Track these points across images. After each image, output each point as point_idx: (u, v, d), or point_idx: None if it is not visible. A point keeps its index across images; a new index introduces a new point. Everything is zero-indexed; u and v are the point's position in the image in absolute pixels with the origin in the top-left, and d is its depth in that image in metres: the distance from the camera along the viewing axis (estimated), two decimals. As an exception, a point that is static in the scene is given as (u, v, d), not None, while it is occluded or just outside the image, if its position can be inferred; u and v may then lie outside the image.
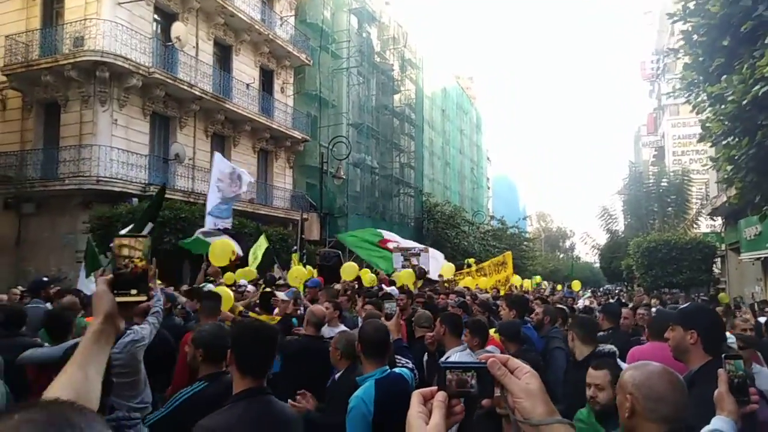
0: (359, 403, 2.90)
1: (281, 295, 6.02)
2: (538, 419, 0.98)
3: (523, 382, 1.00)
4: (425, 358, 4.84)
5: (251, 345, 2.42)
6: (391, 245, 11.87)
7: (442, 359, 4.08)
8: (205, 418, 2.30)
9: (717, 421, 1.81)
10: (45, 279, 8.31)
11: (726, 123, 9.31)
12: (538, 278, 25.97)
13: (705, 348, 2.57)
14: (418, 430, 0.95)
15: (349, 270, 10.02)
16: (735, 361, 1.90)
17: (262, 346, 2.45)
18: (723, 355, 1.96)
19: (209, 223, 8.32)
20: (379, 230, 13.04)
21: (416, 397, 1.01)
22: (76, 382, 1.29)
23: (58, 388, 1.24)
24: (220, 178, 8.34)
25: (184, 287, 8.44)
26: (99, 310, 1.42)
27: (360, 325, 4.39)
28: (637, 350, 3.87)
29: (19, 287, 9.26)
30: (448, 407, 0.98)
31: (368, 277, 9.77)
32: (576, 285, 15.00)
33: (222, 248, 6.70)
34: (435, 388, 1.00)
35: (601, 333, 6.09)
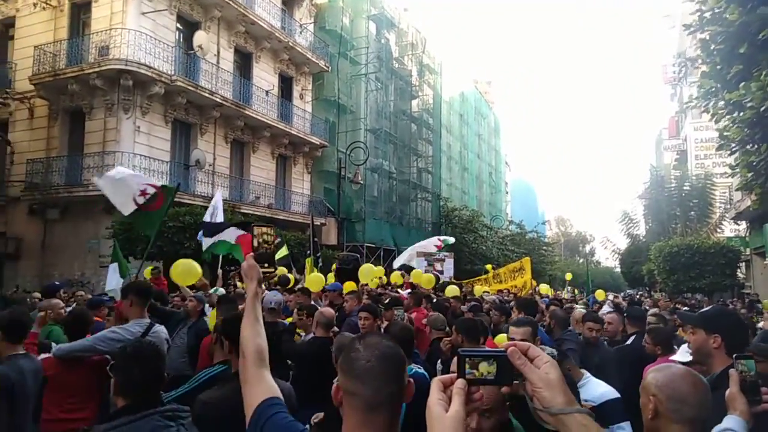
0: None
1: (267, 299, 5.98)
2: (558, 408, 0.98)
3: (543, 372, 1.01)
4: (439, 365, 4.84)
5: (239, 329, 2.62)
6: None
7: None
8: (204, 393, 2.57)
9: (729, 421, 1.81)
10: (57, 283, 8.54)
11: (745, 129, 9.24)
12: (569, 275, 25.66)
13: (728, 352, 2.51)
14: (438, 416, 0.97)
15: (366, 272, 10.11)
16: (746, 361, 1.89)
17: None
18: (734, 355, 1.95)
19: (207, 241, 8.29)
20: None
21: (436, 384, 1.02)
22: (261, 330, 1.88)
23: (256, 335, 1.85)
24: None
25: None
26: (252, 278, 2.00)
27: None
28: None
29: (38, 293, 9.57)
30: (468, 394, 0.99)
31: (374, 281, 9.81)
32: (600, 294, 14.90)
33: (186, 267, 6.39)
34: (454, 375, 1.01)
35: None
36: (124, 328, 3.98)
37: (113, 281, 7.91)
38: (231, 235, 7.90)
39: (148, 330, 3.99)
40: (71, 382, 3.78)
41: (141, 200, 6.77)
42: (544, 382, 1.00)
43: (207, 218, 8.36)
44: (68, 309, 6.07)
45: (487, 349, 1.14)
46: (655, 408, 1.78)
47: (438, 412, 0.97)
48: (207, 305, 6.16)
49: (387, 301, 6.88)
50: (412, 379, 1.44)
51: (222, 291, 7.44)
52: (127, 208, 6.80)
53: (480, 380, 1.00)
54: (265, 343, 1.86)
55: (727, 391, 1.86)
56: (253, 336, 1.85)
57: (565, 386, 1.01)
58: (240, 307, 4.98)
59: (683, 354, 3.53)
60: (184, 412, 2.30)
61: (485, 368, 1.00)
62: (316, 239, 8.66)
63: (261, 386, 1.71)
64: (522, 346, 1.03)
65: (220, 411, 2.47)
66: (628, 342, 5.49)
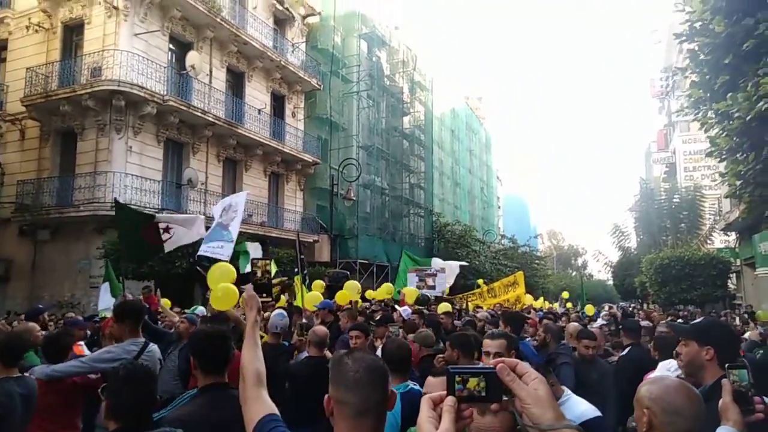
0: (388, 416, 3.02)
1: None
2: (547, 425, 0.99)
3: (532, 388, 1.01)
4: None
5: (208, 346, 2.79)
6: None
7: None
8: (172, 411, 2.70)
9: (722, 431, 1.81)
10: (41, 307, 8.47)
11: (734, 139, 9.39)
12: (565, 294, 25.67)
13: (720, 363, 2.51)
14: None
15: (351, 288, 10.12)
16: (739, 371, 1.89)
17: (217, 346, 2.80)
18: (726, 365, 1.95)
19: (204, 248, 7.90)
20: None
21: (426, 402, 1.03)
22: (259, 354, 2.04)
23: (255, 359, 2.01)
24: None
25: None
26: (252, 307, 2.22)
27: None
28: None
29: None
30: (457, 412, 0.99)
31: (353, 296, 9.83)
32: (589, 309, 15.01)
33: (221, 271, 6.29)
34: (444, 393, 1.01)
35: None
36: (120, 347, 3.98)
37: (105, 301, 7.87)
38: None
39: (144, 349, 3.97)
40: (51, 404, 3.81)
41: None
42: (533, 398, 1.00)
43: (217, 215, 7.82)
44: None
45: (477, 366, 1.16)
46: (650, 421, 1.79)
47: (428, 429, 0.98)
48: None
49: (378, 318, 6.89)
50: (396, 390, 1.63)
51: (202, 309, 7.35)
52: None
53: (470, 397, 1.00)
54: (263, 367, 2.02)
55: (720, 402, 1.86)
56: (252, 360, 2.01)
57: (554, 402, 1.02)
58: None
59: (662, 372, 3.57)
60: None
61: (475, 385, 1.00)
62: (302, 257, 8.53)
63: (260, 404, 1.87)
64: (510, 363, 1.04)
65: (194, 425, 2.53)
66: (623, 353, 5.54)
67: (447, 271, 14.85)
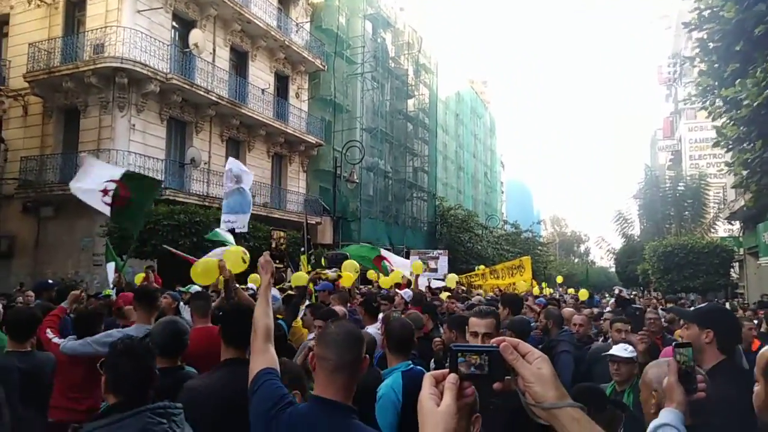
0: (389, 392, 3.05)
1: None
2: (550, 403, 0.99)
3: (535, 367, 1.01)
4: (432, 364, 4.84)
5: (233, 320, 2.88)
6: (385, 263, 11.69)
7: None
8: (192, 380, 2.84)
9: (665, 414, 1.79)
10: (50, 282, 8.59)
11: (741, 128, 9.30)
12: (560, 278, 25.75)
13: (720, 347, 2.60)
14: (430, 411, 0.97)
15: (349, 267, 10.10)
16: (685, 349, 1.87)
17: (243, 321, 2.77)
18: (673, 344, 1.92)
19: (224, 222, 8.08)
20: (378, 249, 12.82)
21: (428, 379, 1.03)
22: (269, 312, 2.36)
23: (265, 315, 2.31)
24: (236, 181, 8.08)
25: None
26: (267, 271, 2.53)
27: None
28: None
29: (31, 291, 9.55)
30: (459, 389, 0.99)
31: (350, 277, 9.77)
32: (583, 294, 15.14)
33: (235, 254, 6.39)
34: (446, 370, 1.01)
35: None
36: (122, 331, 4.09)
37: (113, 279, 7.88)
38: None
39: (145, 338, 4.00)
40: (76, 377, 4.13)
41: (108, 200, 6.54)
42: (536, 377, 1.00)
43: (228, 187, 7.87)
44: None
45: (480, 344, 1.14)
46: (658, 402, 1.81)
47: (429, 406, 0.98)
48: (182, 303, 6.14)
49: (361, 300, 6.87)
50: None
51: (197, 288, 7.39)
52: (104, 210, 6.65)
53: (472, 375, 1.00)
54: (272, 323, 2.34)
55: (664, 381, 1.85)
56: (264, 316, 2.32)
57: (557, 381, 1.02)
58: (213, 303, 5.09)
59: (620, 350, 3.77)
60: (177, 408, 2.27)
61: (477, 363, 1.00)
62: (309, 237, 8.56)
63: (265, 357, 2.17)
64: (512, 341, 1.04)
65: (208, 398, 2.65)
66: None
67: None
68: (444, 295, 9.18)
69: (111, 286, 7.89)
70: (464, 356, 1.01)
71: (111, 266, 8.17)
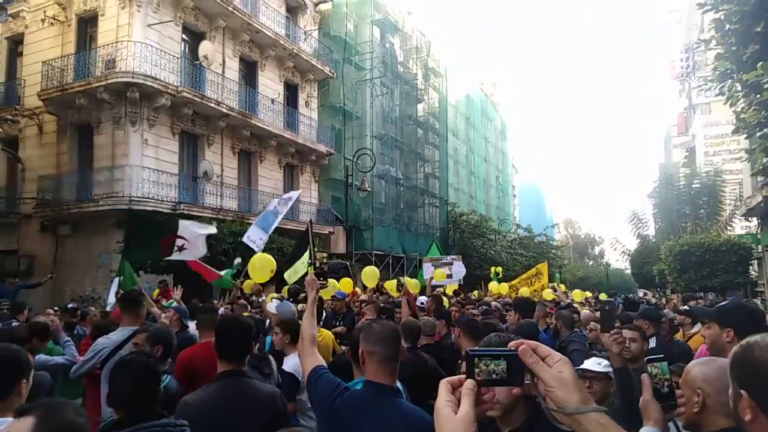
0: None
1: (270, 308, 5.88)
2: (573, 408, 0.95)
3: (556, 370, 0.97)
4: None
5: (228, 334, 2.94)
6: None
7: None
8: (187, 395, 2.83)
9: None
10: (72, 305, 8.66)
11: (762, 112, 9.12)
12: (563, 287, 25.51)
13: None
14: (447, 418, 0.93)
15: (370, 275, 10.12)
16: (660, 364, 1.82)
17: (237, 336, 2.93)
18: (646, 358, 1.87)
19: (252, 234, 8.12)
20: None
21: (444, 385, 0.99)
22: (314, 323, 2.88)
23: (311, 326, 2.80)
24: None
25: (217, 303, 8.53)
26: (312, 288, 3.10)
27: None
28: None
29: (55, 308, 9.62)
30: (477, 395, 0.96)
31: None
32: (577, 295, 15.14)
33: (261, 262, 6.50)
34: (463, 376, 0.98)
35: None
36: (106, 336, 4.17)
37: (114, 296, 7.96)
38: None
39: (131, 337, 4.04)
40: (93, 394, 4.32)
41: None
42: (557, 380, 0.96)
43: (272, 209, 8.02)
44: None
45: (498, 348, 1.10)
46: (703, 401, 1.76)
47: (447, 413, 0.94)
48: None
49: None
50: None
51: (175, 304, 7.49)
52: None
53: (490, 381, 0.97)
54: (316, 332, 2.85)
55: (641, 399, 1.81)
56: (309, 327, 2.79)
57: (579, 384, 0.98)
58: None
59: (593, 364, 3.50)
60: (178, 427, 2.23)
61: (495, 368, 0.97)
62: (316, 248, 8.61)
63: (312, 358, 2.61)
64: (531, 344, 1.00)
65: (200, 411, 2.64)
66: (653, 346, 5.32)
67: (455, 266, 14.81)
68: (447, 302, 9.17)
69: (110, 301, 8.00)
70: (482, 361, 0.97)
71: (116, 282, 8.23)
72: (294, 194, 8.20)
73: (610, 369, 3.12)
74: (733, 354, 1.63)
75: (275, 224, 7.46)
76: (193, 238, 7.28)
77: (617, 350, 2.78)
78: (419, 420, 2.25)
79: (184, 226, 7.38)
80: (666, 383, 1.79)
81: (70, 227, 16.45)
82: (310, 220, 10.58)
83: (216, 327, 3.13)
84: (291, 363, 4.32)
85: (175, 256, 7.22)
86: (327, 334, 5.86)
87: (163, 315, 5.98)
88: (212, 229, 7.61)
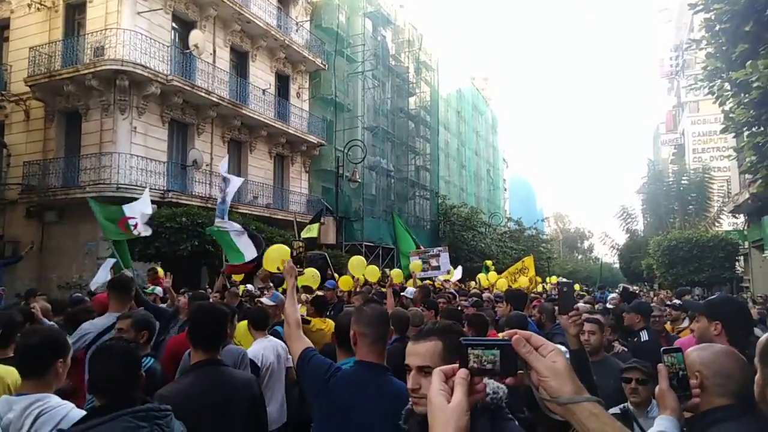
0: None
1: (266, 300, 5.92)
2: (567, 398, 0.95)
3: (549, 360, 0.97)
4: None
5: (201, 323, 2.88)
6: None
7: None
8: (163, 388, 2.74)
9: (661, 422, 1.78)
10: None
11: (751, 111, 9.21)
12: (554, 278, 25.68)
13: (729, 340, 2.55)
14: (440, 407, 0.93)
15: (356, 265, 10.15)
16: (675, 355, 1.85)
17: (211, 324, 2.88)
18: (662, 349, 1.90)
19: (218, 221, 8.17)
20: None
21: (437, 374, 0.99)
22: (297, 306, 2.89)
23: (295, 311, 2.83)
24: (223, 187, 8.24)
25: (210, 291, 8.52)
26: (291, 275, 3.14)
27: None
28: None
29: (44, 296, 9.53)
30: (470, 385, 0.96)
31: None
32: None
33: (279, 252, 6.61)
34: (456, 365, 0.98)
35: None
36: (90, 322, 4.10)
37: (102, 277, 7.94)
38: (244, 244, 7.62)
39: (115, 324, 3.94)
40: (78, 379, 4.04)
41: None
42: (550, 370, 0.96)
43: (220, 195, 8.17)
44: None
45: (490, 338, 1.09)
46: (701, 383, 1.84)
47: (439, 402, 0.94)
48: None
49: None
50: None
51: (159, 290, 7.62)
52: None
53: (483, 370, 0.97)
54: (299, 316, 2.85)
55: (656, 389, 1.85)
56: (292, 311, 2.83)
57: (573, 374, 0.97)
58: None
59: None
60: (162, 411, 2.19)
61: (488, 358, 0.97)
62: (299, 239, 8.62)
63: (300, 341, 2.67)
64: (525, 334, 1.00)
65: (177, 403, 2.55)
66: (646, 339, 5.32)
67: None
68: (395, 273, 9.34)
69: (96, 280, 8.05)
70: (474, 350, 0.97)
71: (108, 262, 8.22)
72: (230, 177, 8.11)
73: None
74: (760, 343, 1.76)
75: (227, 207, 7.68)
76: (140, 216, 7.55)
77: (574, 332, 2.76)
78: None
79: (130, 208, 7.63)
80: (681, 373, 1.82)
81: (56, 214, 16.29)
82: (294, 215, 10.71)
83: (190, 316, 3.09)
84: (251, 349, 4.40)
85: (136, 234, 7.53)
86: (332, 324, 5.89)
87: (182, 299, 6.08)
88: (151, 209, 7.95)
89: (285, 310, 2.88)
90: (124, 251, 7.83)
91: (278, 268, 6.35)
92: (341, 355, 3.19)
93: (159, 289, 7.64)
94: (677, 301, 8.52)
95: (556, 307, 6.97)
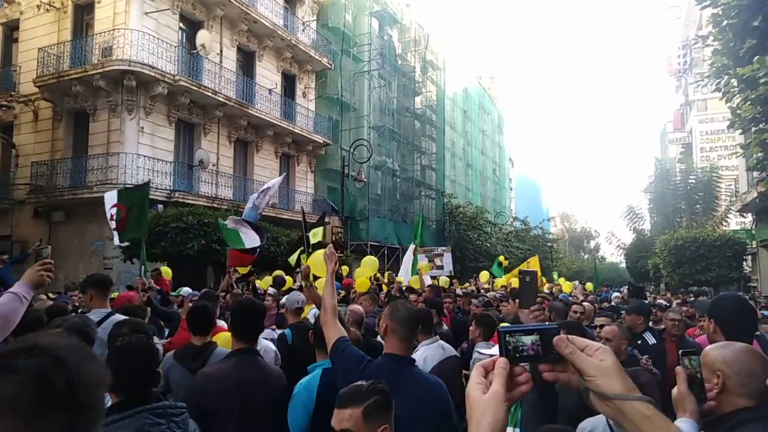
0: (301, 391, 2.90)
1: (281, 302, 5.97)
2: (615, 393, 0.89)
3: (596, 359, 0.91)
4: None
5: (242, 316, 3.21)
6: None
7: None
8: (206, 367, 3.18)
9: (680, 424, 1.74)
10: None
11: (758, 107, 9.16)
12: (562, 280, 25.57)
13: (726, 337, 2.54)
14: (476, 401, 0.89)
15: (369, 264, 10.19)
16: (693, 357, 1.83)
17: (250, 317, 3.20)
18: (680, 351, 1.88)
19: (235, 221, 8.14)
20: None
21: (477, 369, 0.94)
22: (334, 293, 2.99)
23: (332, 297, 2.92)
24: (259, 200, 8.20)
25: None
26: (331, 260, 3.08)
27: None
28: None
29: (49, 293, 9.64)
30: (512, 376, 0.91)
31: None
32: (567, 286, 15.14)
33: (320, 259, 6.71)
34: (497, 358, 0.93)
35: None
36: (80, 316, 4.05)
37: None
38: (250, 237, 7.65)
39: (104, 319, 3.99)
40: None
41: (113, 224, 7.37)
42: (598, 369, 0.90)
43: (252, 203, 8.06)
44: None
45: (530, 324, 1.07)
46: (723, 383, 1.81)
47: (476, 395, 0.90)
48: (176, 306, 6.30)
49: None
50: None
51: (188, 290, 7.59)
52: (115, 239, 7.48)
53: (524, 357, 0.91)
54: (336, 302, 2.96)
55: (674, 390, 1.82)
56: (330, 298, 2.92)
57: (623, 372, 0.91)
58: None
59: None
60: (178, 408, 2.22)
61: (528, 344, 0.92)
62: (308, 235, 8.62)
63: (335, 329, 2.79)
64: (568, 337, 0.95)
65: (219, 383, 2.90)
66: (654, 342, 5.06)
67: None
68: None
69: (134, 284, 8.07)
70: (514, 338, 0.92)
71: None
72: (275, 181, 8.20)
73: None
74: None
75: (257, 216, 7.73)
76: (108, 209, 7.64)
77: None
78: (435, 386, 2.69)
79: (107, 200, 7.74)
80: (698, 376, 1.80)
81: (63, 214, 16.40)
82: (302, 209, 10.70)
83: (231, 311, 3.41)
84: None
85: (113, 225, 7.52)
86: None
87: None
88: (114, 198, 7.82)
89: (323, 296, 2.99)
90: (143, 257, 7.87)
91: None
92: (320, 356, 3.25)
93: (186, 290, 7.65)
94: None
95: (518, 300, 6.90)
